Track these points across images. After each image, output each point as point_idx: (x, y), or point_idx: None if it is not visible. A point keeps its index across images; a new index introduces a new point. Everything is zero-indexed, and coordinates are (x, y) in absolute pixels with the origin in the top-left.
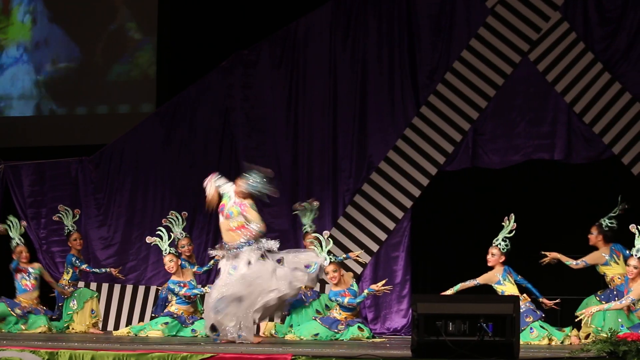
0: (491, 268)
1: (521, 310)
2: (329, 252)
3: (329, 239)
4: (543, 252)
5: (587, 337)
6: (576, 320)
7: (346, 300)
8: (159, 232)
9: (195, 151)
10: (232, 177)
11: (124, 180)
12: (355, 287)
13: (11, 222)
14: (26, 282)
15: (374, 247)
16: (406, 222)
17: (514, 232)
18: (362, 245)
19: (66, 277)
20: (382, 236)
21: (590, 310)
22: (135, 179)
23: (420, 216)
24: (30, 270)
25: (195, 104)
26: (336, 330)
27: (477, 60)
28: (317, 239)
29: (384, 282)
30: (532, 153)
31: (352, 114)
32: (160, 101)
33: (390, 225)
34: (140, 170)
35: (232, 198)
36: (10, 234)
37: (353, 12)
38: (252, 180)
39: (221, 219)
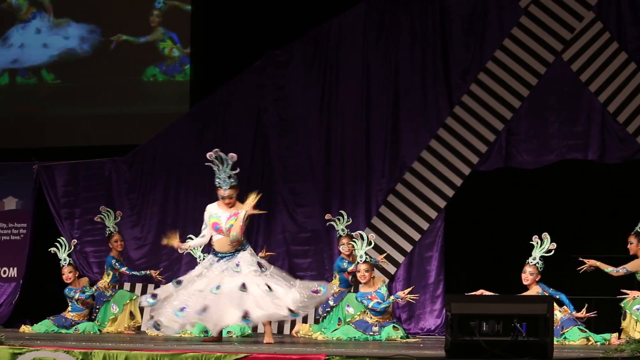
0: (526, 288)
1: (561, 322)
2: (365, 253)
3: (370, 241)
4: (581, 259)
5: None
6: (622, 303)
7: (371, 303)
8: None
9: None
10: (264, 177)
11: (157, 180)
12: (383, 291)
13: (60, 243)
14: (82, 302)
15: (408, 247)
16: (440, 222)
17: (552, 251)
18: (395, 245)
19: (106, 279)
20: (416, 236)
21: (634, 294)
22: (168, 179)
23: (453, 216)
24: (85, 289)
25: (227, 104)
26: (371, 333)
27: (511, 60)
28: (360, 236)
29: (410, 289)
30: (566, 153)
31: (385, 114)
32: (193, 101)
33: (424, 225)
34: (173, 170)
35: None
36: (59, 254)
37: (385, 12)
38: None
39: None
